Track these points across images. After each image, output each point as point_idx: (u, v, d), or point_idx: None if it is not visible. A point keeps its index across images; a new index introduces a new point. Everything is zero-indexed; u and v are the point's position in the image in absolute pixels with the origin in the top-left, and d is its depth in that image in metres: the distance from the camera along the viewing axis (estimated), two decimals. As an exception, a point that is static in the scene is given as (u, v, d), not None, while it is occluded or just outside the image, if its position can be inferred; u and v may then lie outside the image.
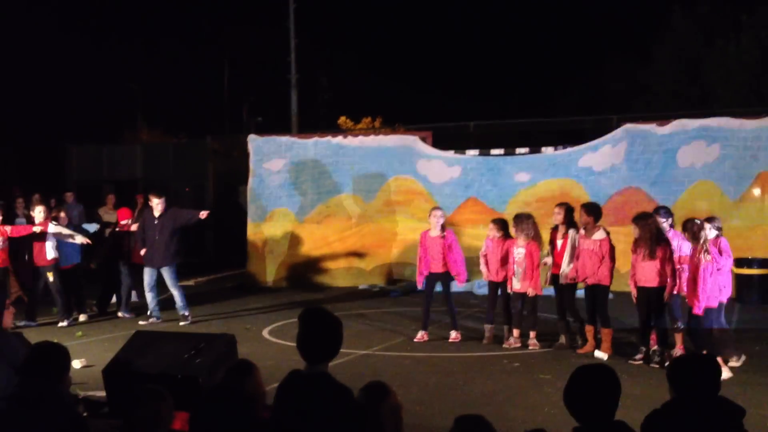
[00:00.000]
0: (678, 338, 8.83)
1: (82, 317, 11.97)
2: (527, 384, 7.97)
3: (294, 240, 16.15)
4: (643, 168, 14.20)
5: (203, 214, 11.64)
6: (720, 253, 8.08)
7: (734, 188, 13.73)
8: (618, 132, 14.68)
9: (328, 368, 3.92)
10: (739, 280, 12.36)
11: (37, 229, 11.34)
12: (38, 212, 11.59)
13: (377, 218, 15.91)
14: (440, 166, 15.62)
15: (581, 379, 3.53)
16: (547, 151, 15.54)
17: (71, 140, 23.46)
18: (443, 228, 10.17)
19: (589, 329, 9.28)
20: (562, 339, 9.55)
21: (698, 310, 8.00)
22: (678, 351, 8.64)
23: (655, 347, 8.66)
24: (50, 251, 11.50)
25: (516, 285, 9.67)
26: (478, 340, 10.02)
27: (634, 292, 8.78)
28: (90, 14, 42.62)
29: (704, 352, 7.52)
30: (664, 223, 8.94)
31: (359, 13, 44.78)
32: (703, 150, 13.94)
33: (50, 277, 11.47)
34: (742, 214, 13.61)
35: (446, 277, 10.20)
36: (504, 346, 9.68)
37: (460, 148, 16.36)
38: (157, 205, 11.61)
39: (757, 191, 13.72)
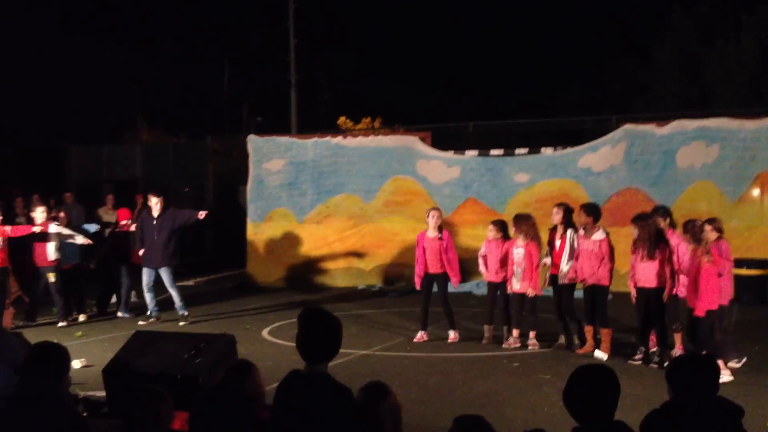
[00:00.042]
0: (677, 338, 8.84)
1: (81, 317, 11.98)
2: (527, 384, 7.97)
3: (293, 240, 16.16)
4: (643, 168, 14.22)
5: (202, 215, 11.63)
6: (720, 255, 8.08)
7: (733, 189, 13.73)
8: (617, 132, 14.70)
9: (327, 368, 3.92)
10: (738, 280, 12.34)
11: (37, 229, 11.33)
12: (39, 213, 11.59)
13: (377, 218, 15.92)
14: (440, 167, 15.64)
15: (581, 380, 3.53)
16: (547, 151, 15.54)
17: (71, 140, 23.42)
18: (440, 229, 10.18)
19: (588, 329, 9.28)
20: (562, 339, 9.57)
21: (699, 312, 8.00)
22: (677, 351, 8.65)
23: (655, 348, 8.67)
24: (52, 252, 11.49)
25: (515, 285, 9.68)
26: (477, 341, 10.02)
27: (633, 293, 8.78)
28: (90, 14, 42.62)
29: (704, 352, 7.52)
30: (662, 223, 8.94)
31: (359, 14, 44.75)
32: (702, 151, 13.95)
33: (51, 277, 11.45)
34: (742, 214, 13.61)
35: (444, 278, 10.21)
36: (503, 346, 9.69)
37: (460, 148, 16.34)
38: (155, 204, 11.60)
39: (756, 192, 13.72)
